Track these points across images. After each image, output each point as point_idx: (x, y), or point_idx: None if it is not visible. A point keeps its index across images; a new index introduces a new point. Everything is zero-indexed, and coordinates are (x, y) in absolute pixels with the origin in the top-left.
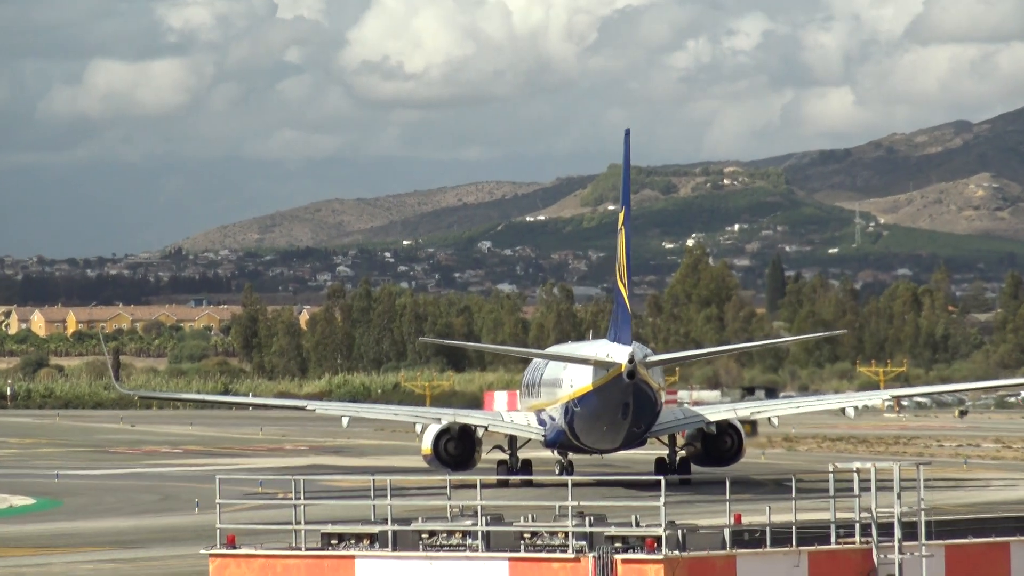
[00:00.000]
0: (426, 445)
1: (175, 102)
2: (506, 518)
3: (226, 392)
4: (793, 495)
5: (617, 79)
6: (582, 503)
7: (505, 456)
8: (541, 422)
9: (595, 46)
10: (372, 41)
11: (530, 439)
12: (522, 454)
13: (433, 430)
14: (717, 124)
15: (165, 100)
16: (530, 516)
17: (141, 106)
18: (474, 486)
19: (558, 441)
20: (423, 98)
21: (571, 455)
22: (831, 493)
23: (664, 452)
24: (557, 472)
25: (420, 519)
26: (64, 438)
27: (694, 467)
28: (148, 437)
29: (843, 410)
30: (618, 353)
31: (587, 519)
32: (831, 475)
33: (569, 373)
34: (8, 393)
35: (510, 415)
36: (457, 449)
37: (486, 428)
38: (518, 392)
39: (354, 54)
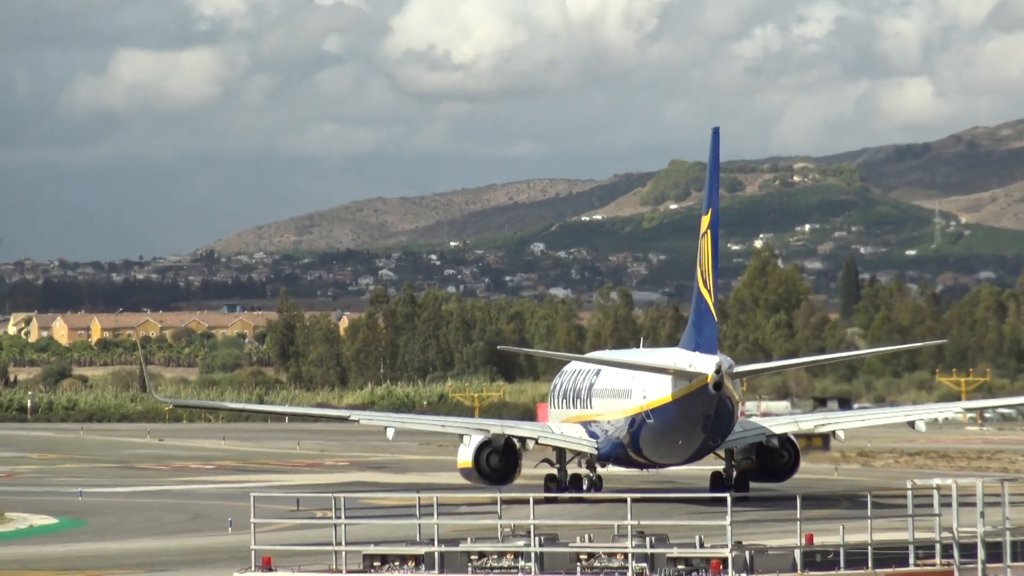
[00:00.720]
0: (466, 457)
1: (206, 95)
2: (561, 538)
3: (261, 404)
4: (869, 513)
5: (679, 69)
6: (642, 522)
7: (554, 470)
8: (592, 434)
9: (656, 34)
10: (417, 29)
11: (580, 452)
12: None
13: (475, 441)
14: (786, 117)
15: (195, 92)
16: (587, 536)
17: (169, 99)
18: (524, 503)
19: (613, 454)
20: (471, 90)
21: (610, 468)
22: (910, 511)
23: (720, 466)
24: (585, 488)
25: (469, 539)
26: (88, 453)
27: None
28: (177, 452)
29: (912, 423)
30: (703, 363)
31: (648, 539)
32: (910, 492)
33: (640, 383)
34: (29, 405)
35: (560, 427)
36: (500, 462)
37: (536, 440)
38: (548, 401)
39: (398, 43)
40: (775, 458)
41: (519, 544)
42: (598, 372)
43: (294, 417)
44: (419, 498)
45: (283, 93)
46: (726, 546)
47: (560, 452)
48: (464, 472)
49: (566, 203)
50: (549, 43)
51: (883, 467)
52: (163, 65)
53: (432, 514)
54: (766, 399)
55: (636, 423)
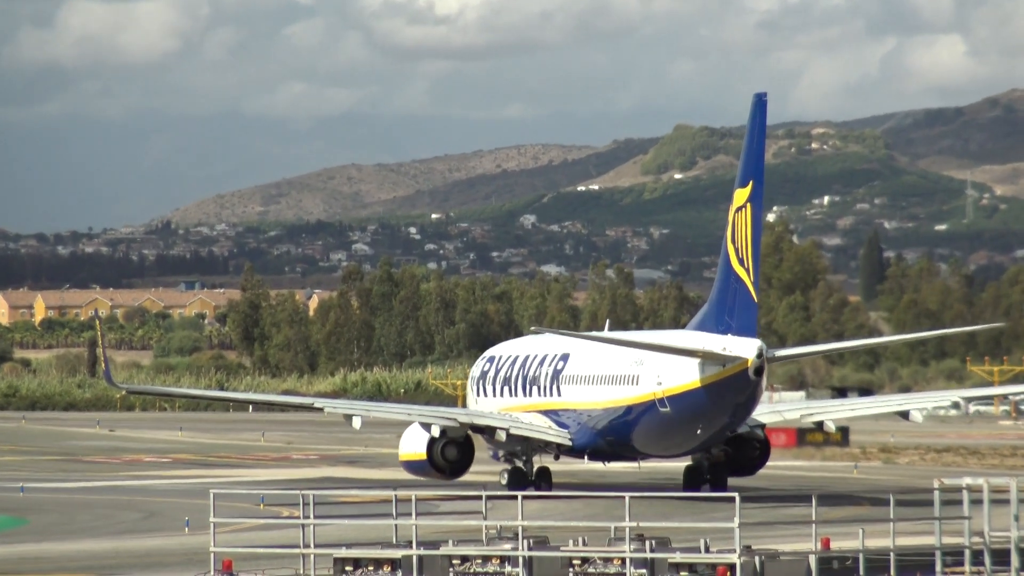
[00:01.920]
0: (416, 449)
1: (163, 48)
2: (552, 541)
3: (222, 390)
4: (891, 515)
5: (685, 24)
6: (642, 524)
7: (520, 464)
8: (561, 424)
9: None
10: None
11: (551, 443)
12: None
13: (426, 432)
14: (804, 78)
15: (151, 46)
16: (580, 539)
17: (122, 53)
18: (511, 499)
19: (591, 446)
20: (456, 46)
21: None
22: (936, 513)
23: (686, 461)
24: (505, 481)
25: (451, 542)
26: (30, 444)
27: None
28: (130, 444)
29: (906, 414)
30: (741, 346)
31: (648, 543)
32: (936, 492)
33: (651, 368)
34: None
35: (528, 416)
36: (458, 455)
37: (507, 431)
38: (472, 389)
39: None
40: (746, 450)
41: (506, 547)
42: (564, 357)
43: (258, 406)
44: (396, 496)
45: (248, 48)
46: (734, 550)
47: (525, 444)
48: (412, 465)
49: (560, 171)
50: None
51: (907, 464)
52: (116, 15)
53: (410, 513)
54: (780, 388)
55: (638, 411)
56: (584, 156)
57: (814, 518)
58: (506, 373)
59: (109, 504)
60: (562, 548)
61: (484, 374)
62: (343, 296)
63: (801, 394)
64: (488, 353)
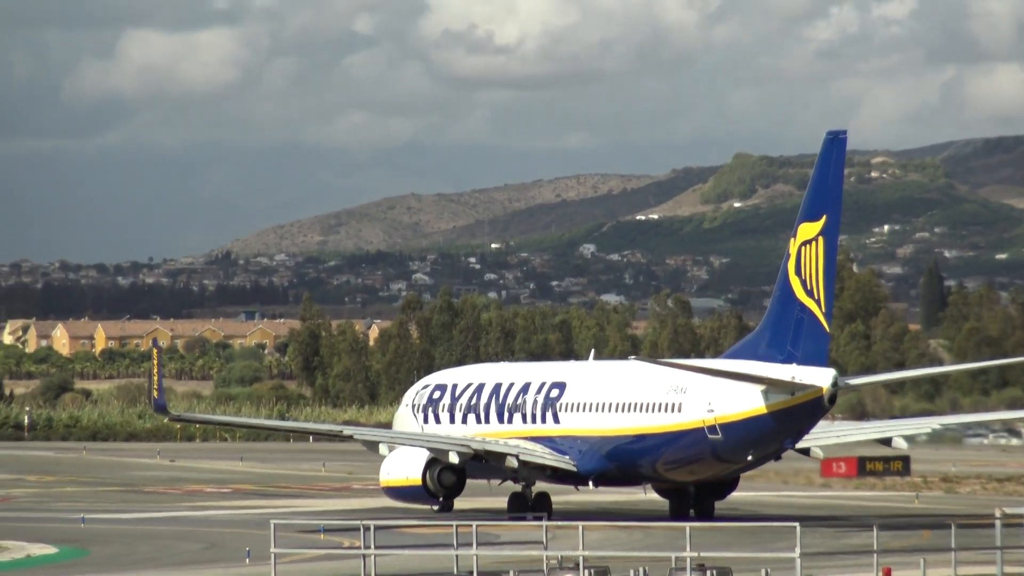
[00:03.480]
0: (411, 475)
1: (224, 79)
2: (613, 571)
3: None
4: (952, 544)
5: (745, 53)
6: (702, 554)
7: (518, 488)
8: (559, 451)
9: (719, 14)
10: (456, 7)
11: (554, 468)
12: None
13: (422, 456)
14: (864, 107)
15: (212, 77)
16: (641, 569)
17: (183, 84)
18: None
19: (599, 471)
20: (516, 75)
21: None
22: (998, 543)
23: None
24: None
25: (512, 572)
26: (91, 475)
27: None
28: (190, 474)
29: (887, 440)
30: (813, 375)
31: (708, 573)
32: (998, 521)
33: (700, 394)
34: (26, 422)
35: (514, 443)
36: (453, 480)
37: (517, 457)
38: (418, 416)
39: (435, 22)
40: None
41: None
42: (559, 385)
43: (319, 436)
44: (456, 526)
45: (308, 78)
46: None
47: (526, 470)
48: (402, 491)
49: (619, 201)
50: (603, 24)
51: (968, 494)
52: (177, 47)
53: (471, 544)
54: (839, 418)
55: (679, 438)
56: (644, 185)
57: (875, 547)
58: (470, 400)
59: (170, 535)
60: None
61: (435, 401)
62: (403, 326)
63: (861, 424)
64: (429, 381)
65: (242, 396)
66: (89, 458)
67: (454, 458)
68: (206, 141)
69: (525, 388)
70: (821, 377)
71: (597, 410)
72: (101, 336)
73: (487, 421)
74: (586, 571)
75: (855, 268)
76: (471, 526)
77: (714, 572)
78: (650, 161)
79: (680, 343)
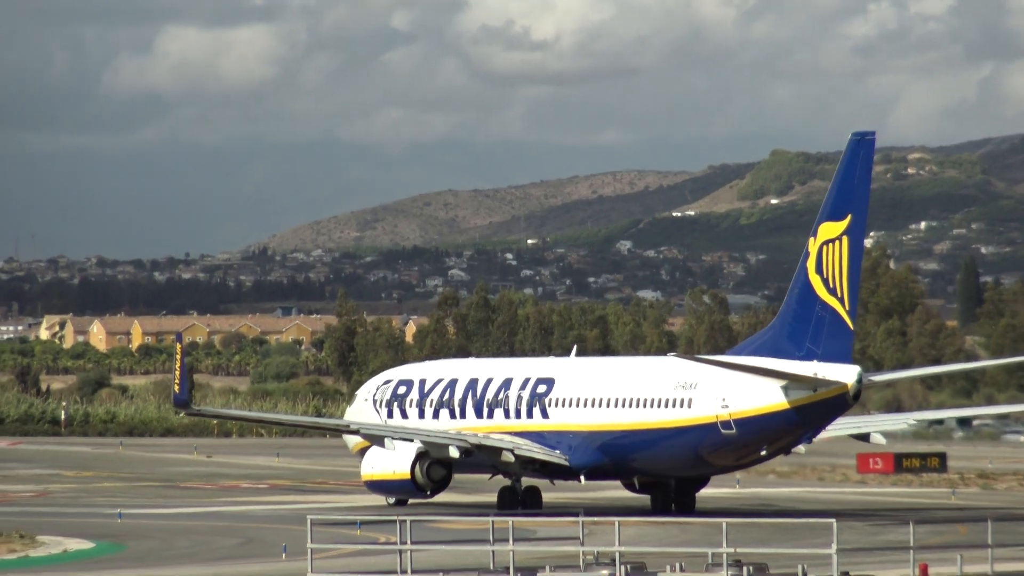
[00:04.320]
0: (399, 468)
1: (260, 75)
2: (649, 567)
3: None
4: (989, 541)
5: (782, 49)
6: (739, 549)
7: (508, 482)
8: (549, 445)
9: (756, 10)
10: (493, 3)
11: (544, 463)
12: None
13: (410, 450)
14: (901, 103)
15: (249, 73)
16: (678, 565)
17: (220, 80)
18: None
19: (591, 465)
20: (553, 71)
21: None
22: None
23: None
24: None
25: (548, 568)
26: (128, 470)
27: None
28: (227, 470)
29: (866, 436)
30: (838, 372)
31: (745, 568)
32: None
33: (712, 390)
34: (63, 418)
35: (495, 437)
36: (442, 474)
37: (512, 452)
38: (382, 408)
39: (472, 19)
40: None
41: (603, 573)
42: (547, 381)
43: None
44: (493, 521)
45: (345, 74)
46: None
47: (517, 465)
48: (388, 484)
49: (656, 197)
50: (639, 19)
51: (1006, 490)
52: (213, 43)
53: (507, 539)
54: (875, 413)
55: (689, 433)
56: (680, 181)
57: (912, 544)
58: (442, 396)
59: (207, 530)
60: (659, 574)
61: (400, 396)
62: (439, 322)
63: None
64: (391, 376)
65: (278, 392)
66: (126, 453)
67: (454, 452)
68: (243, 137)
69: (507, 383)
70: (846, 374)
71: (592, 405)
72: (138, 332)
73: (463, 416)
74: (622, 567)
75: (892, 264)
76: (507, 522)
77: (751, 568)
78: (687, 157)
79: (716, 339)
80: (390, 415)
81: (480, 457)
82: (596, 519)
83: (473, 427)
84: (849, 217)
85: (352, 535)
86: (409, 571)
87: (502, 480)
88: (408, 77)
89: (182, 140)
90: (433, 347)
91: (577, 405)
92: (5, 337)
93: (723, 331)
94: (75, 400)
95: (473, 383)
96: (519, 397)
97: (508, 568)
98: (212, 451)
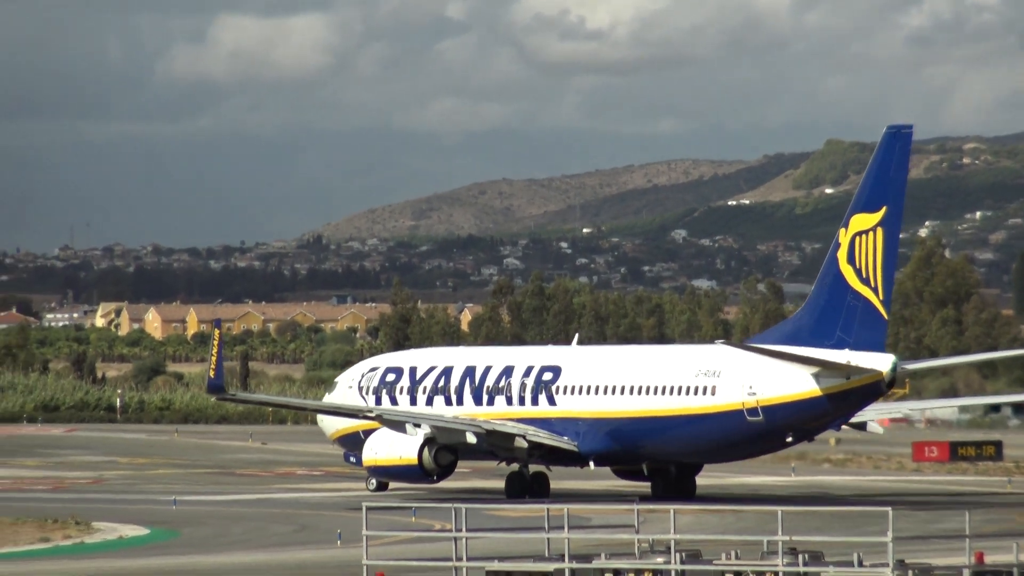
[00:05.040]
0: (405, 454)
1: (315, 64)
2: (705, 555)
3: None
4: None
5: (837, 39)
6: (794, 538)
7: (515, 468)
8: (556, 432)
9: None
10: None
11: (562, 450)
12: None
13: (415, 436)
14: (957, 93)
15: (304, 62)
16: (733, 553)
17: (275, 69)
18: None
19: (601, 451)
20: (608, 61)
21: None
22: None
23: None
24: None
25: (603, 555)
26: (183, 457)
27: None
28: (282, 457)
29: (863, 425)
30: (873, 360)
31: (800, 556)
32: None
33: (737, 377)
34: (118, 405)
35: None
36: (450, 459)
37: (524, 438)
38: (371, 395)
39: (526, 8)
40: None
41: (658, 561)
42: (553, 369)
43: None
44: (548, 509)
45: (400, 63)
46: (887, 564)
47: (526, 450)
48: (394, 470)
49: (711, 186)
50: (694, 9)
51: None
52: (268, 32)
53: (562, 527)
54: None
55: (712, 420)
56: (735, 171)
57: (968, 532)
58: (436, 383)
59: (262, 517)
60: (715, 562)
61: (389, 383)
62: (494, 310)
63: (954, 409)
64: (377, 363)
65: (332, 380)
66: (181, 440)
67: (471, 439)
68: (298, 126)
69: (508, 371)
70: (882, 362)
71: (604, 392)
72: (193, 319)
73: (460, 403)
74: (677, 555)
75: (947, 254)
76: (563, 509)
77: (806, 556)
78: (742, 146)
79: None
80: (378, 402)
81: (484, 443)
82: (652, 506)
83: (472, 414)
84: (884, 209)
85: (407, 522)
86: (464, 558)
87: (501, 466)
88: (463, 66)
89: (237, 129)
90: (488, 335)
91: (587, 392)
92: (61, 324)
93: (778, 320)
94: (130, 387)
95: (470, 371)
96: (522, 384)
97: (563, 555)
98: (267, 438)
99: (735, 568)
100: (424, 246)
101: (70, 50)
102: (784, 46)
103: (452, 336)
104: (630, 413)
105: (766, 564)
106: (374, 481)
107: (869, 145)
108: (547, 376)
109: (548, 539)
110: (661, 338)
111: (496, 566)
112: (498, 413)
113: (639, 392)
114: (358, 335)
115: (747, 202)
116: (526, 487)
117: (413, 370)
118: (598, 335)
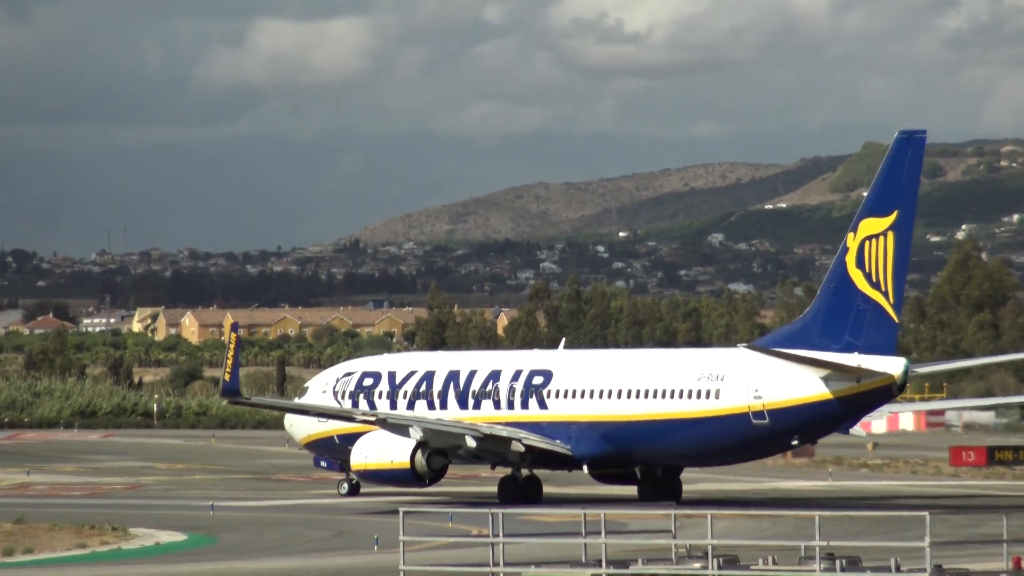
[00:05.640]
0: (397, 458)
1: (353, 68)
2: (742, 560)
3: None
4: None
5: (875, 42)
6: (831, 542)
7: (507, 471)
8: (548, 436)
9: (849, 2)
10: None
11: (555, 453)
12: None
13: (407, 439)
14: (995, 95)
15: (341, 66)
16: (770, 558)
17: (312, 73)
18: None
19: (595, 455)
20: (645, 64)
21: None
22: None
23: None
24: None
25: (640, 561)
26: (220, 463)
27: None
28: None
29: (846, 428)
30: (883, 363)
31: (838, 562)
32: None
33: (742, 381)
34: (155, 410)
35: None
36: (442, 463)
37: (521, 442)
38: (347, 400)
39: (564, 12)
40: None
41: (695, 567)
42: (543, 373)
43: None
44: (585, 515)
45: (438, 67)
46: (924, 570)
47: (519, 455)
48: (385, 474)
49: (748, 189)
50: (732, 12)
51: None
52: (306, 36)
53: (599, 532)
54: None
55: (715, 424)
56: (772, 174)
57: (1005, 537)
58: (418, 387)
59: (298, 522)
60: (752, 567)
61: (367, 388)
62: (531, 314)
63: (990, 412)
64: (352, 368)
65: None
66: (218, 446)
67: (471, 443)
68: (335, 130)
69: (495, 375)
70: (893, 365)
71: (599, 396)
72: (229, 324)
73: (444, 407)
74: (715, 560)
75: (984, 257)
76: (599, 515)
77: (843, 561)
78: (779, 150)
79: None
80: (355, 407)
81: (496, 447)
82: (689, 511)
83: (458, 418)
84: (896, 213)
85: (444, 527)
86: (501, 563)
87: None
88: (500, 70)
89: (274, 133)
90: (524, 339)
91: (581, 396)
92: (98, 329)
93: None
94: (167, 392)
95: (454, 375)
96: (511, 388)
97: (600, 560)
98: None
99: (772, 573)
100: (461, 250)
101: (108, 55)
102: (822, 49)
103: (489, 340)
104: (627, 417)
105: (803, 569)
106: (345, 485)
107: None
108: (537, 380)
109: (585, 544)
110: (698, 342)
111: (533, 572)
112: (484, 417)
113: (637, 396)
114: (394, 339)
115: (784, 205)
116: (519, 491)
117: (392, 374)
118: (635, 339)
